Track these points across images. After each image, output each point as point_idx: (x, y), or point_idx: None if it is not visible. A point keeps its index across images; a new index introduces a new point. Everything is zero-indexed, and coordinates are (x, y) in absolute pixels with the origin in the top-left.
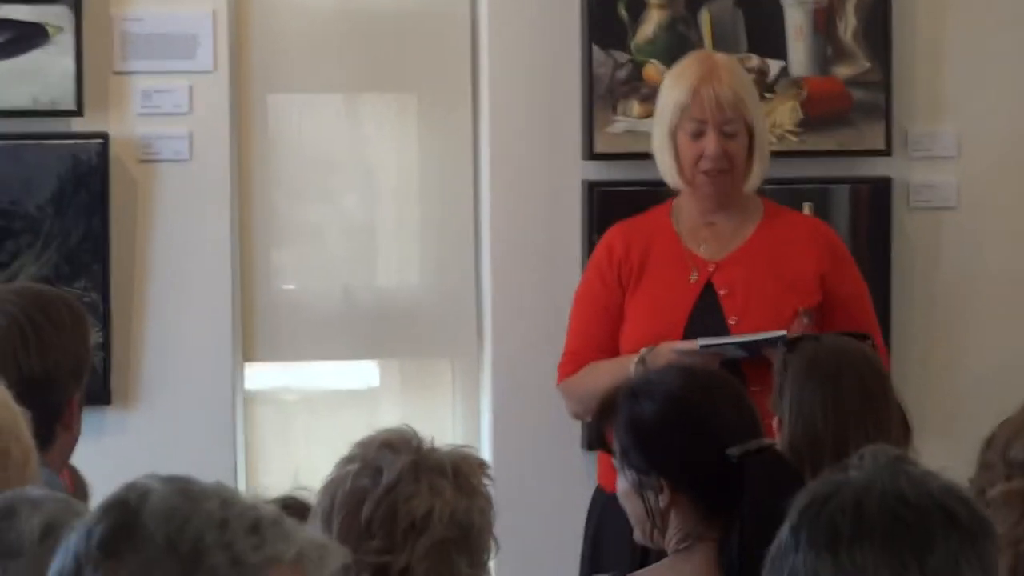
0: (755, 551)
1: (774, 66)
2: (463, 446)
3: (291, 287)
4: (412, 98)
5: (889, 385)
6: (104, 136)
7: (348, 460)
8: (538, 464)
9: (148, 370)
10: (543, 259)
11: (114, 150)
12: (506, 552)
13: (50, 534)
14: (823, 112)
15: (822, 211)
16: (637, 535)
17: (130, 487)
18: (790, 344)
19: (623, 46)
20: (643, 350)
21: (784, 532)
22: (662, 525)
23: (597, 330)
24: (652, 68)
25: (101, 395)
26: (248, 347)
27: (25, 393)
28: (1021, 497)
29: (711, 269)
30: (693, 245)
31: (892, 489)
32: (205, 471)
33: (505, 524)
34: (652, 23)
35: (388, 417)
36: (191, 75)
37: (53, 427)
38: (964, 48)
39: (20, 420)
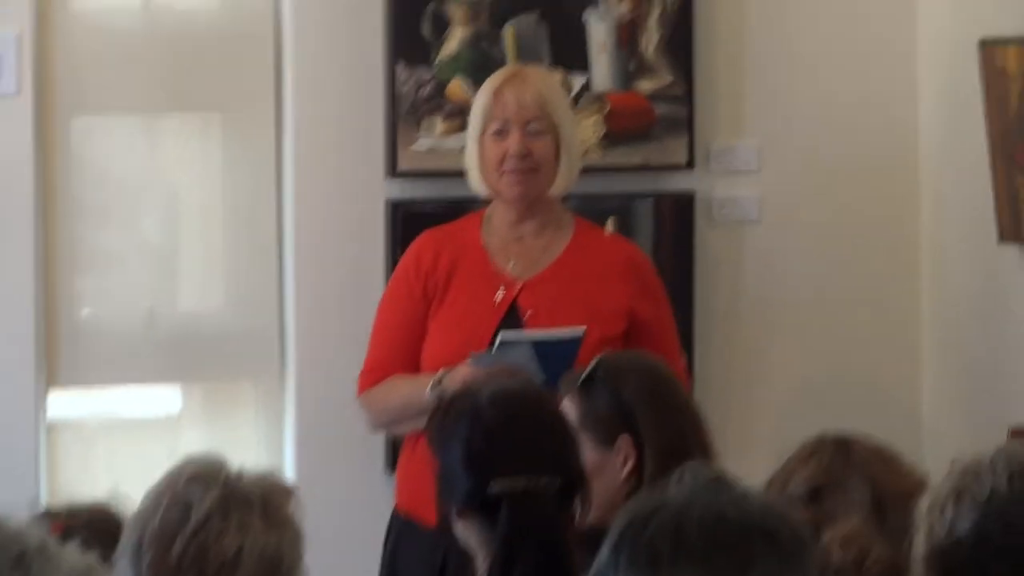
0: None
1: (577, 81)
2: (270, 473)
3: (94, 312)
4: (216, 117)
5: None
6: None
7: (157, 494)
8: (341, 485)
9: None
10: (347, 279)
11: None
12: None
13: None
14: (626, 127)
15: (626, 226)
16: None
17: None
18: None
19: (427, 63)
20: (440, 371)
21: (604, 552)
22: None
23: (399, 342)
24: (456, 85)
25: None
26: (52, 373)
27: None
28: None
29: (518, 288)
30: (502, 261)
31: (712, 508)
32: (7, 500)
33: (308, 547)
34: (456, 39)
35: (192, 442)
36: None
37: None
38: (765, 62)
39: None
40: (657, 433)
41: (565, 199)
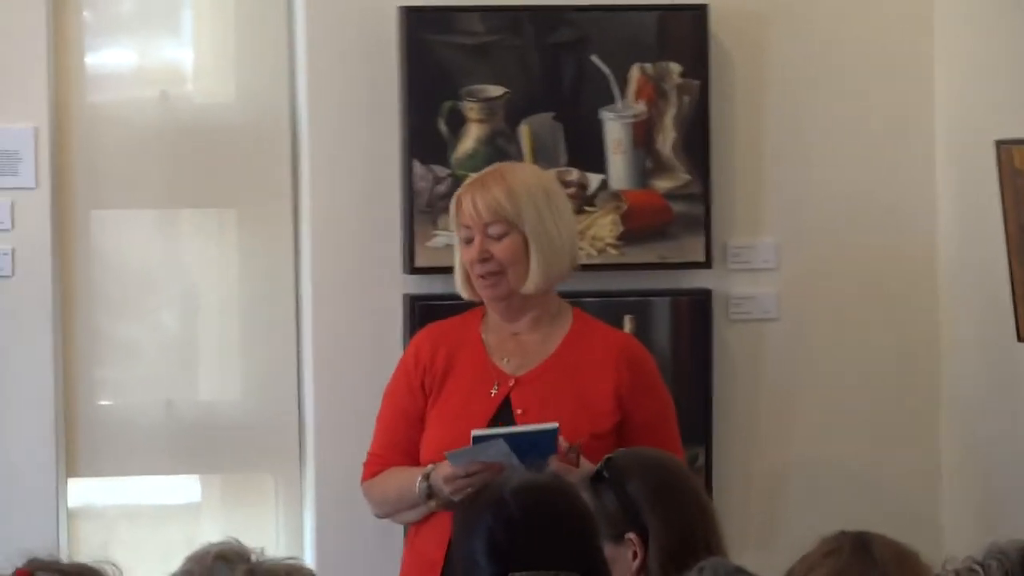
0: None
1: (594, 180)
2: (291, 557)
3: (113, 402)
4: (232, 213)
5: None
6: None
7: (185, 572)
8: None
9: None
10: (365, 372)
11: None
12: None
13: None
14: (643, 225)
15: (643, 324)
16: None
17: None
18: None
19: (443, 160)
20: (429, 466)
21: None
22: None
23: (398, 434)
24: None
25: None
26: (71, 462)
27: None
28: None
29: (511, 384)
30: (498, 357)
31: None
32: None
33: None
34: (471, 137)
35: (211, 531)
36: (13, 192)
37: None
38: (782, 160)
39: None
40: (662, 530)
41: (576, 294)
